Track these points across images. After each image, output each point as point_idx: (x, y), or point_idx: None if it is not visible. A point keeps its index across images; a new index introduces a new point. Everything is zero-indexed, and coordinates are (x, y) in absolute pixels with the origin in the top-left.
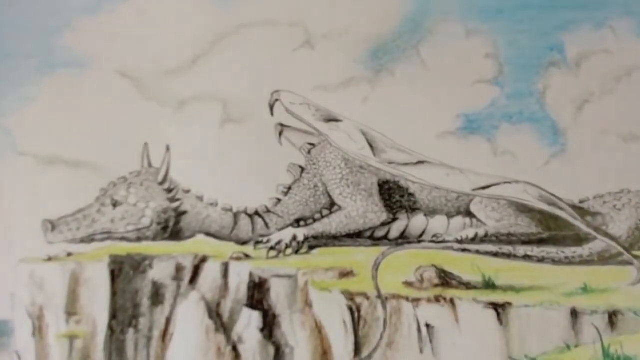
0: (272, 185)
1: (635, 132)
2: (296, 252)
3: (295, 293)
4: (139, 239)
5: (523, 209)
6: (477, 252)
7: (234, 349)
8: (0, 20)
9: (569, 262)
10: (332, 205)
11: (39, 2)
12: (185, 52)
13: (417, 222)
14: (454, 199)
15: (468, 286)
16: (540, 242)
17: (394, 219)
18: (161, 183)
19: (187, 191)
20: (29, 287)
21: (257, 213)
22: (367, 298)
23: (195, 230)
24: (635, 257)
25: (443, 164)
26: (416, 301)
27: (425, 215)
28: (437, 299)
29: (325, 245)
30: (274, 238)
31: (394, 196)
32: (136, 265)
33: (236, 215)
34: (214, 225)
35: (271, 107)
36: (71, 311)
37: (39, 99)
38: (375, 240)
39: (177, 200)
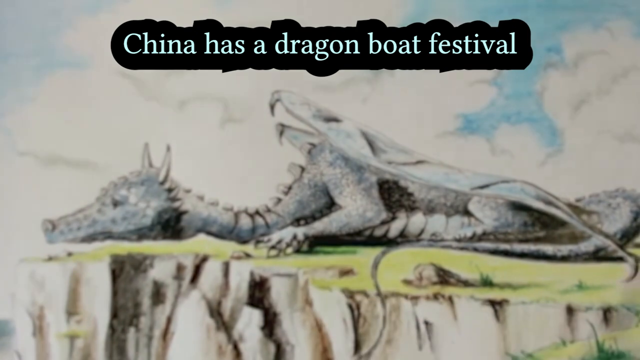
0: (272, 185)
1: (631, 132)
2: (296, 251)
3: (295, 291)
4: (139, 239)
5: (520, 207)
6: (475, 250)
7: (235, 347)
8: (0, 19)
9: (565, 259)
10: (332, 205)
11: (39, 2)
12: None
13: (416, 221)
14: (453, 198)
15: (466, 284)
16: (537, 240)
17: (393, 218)
18: (162, 183)
19: (188, 191)
20: (29, 286)
21: (257, 212)
22: (367, 296)
23: (196, 230)
24: (629, 254)
25: (442, 164)
26: (415, 299)
27: (424, 214)
28: (436, 297)
29: (326, 244)
30: (275, 237)
31: (393, 195)
32: (137, 264)
33: (237, 215)
34: (215, 224)
35: (272, 107)
36: (72, 311)
37: (39, 98)
38: (375, 239)
39: (178, 199)
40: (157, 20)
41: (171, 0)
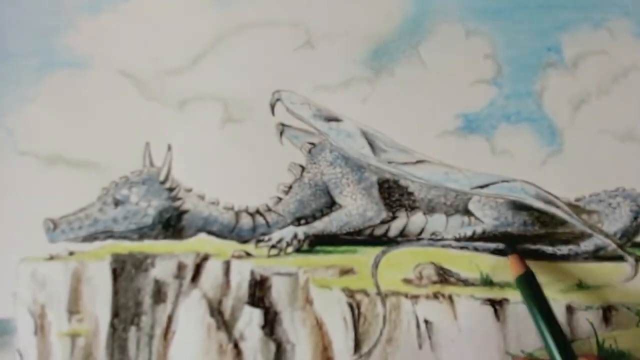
0: (273, 184)
1: (631, 132)
2: (297, 250)
3: (296, 291)
4: (141, 238)
5: (520, 207)
6: (475, 249)
7: (236, 346)
8: (1, 19)
9: (565, 258)
10: (332, 204)
11: (39, 2)
12: (186, 51)
13: (416, 221)
14: (453, 197)
15: (466, 283)
16: (537, 239)
17: (394, 217)
18: (163, 182)
19: (189, 190)
20: (30, 285)
21: (258, 212)
22: (367, 295)
23: (197, 229)
24: (629, 254)
25: (442, 163)
26: (415, 298)
27: (424, 213)
28: (436, 296)
29: (326, 243)
30: (275, 236)
31: (393, 195)
32: (138, 263)
33: (237, 214)
34: (216, 223)
35: (272, 107)
36: (73, 309)
37: (39, 98)
38: (375, 239)
39: (179, 199)
40: (157, 20)
41: (172, 1)
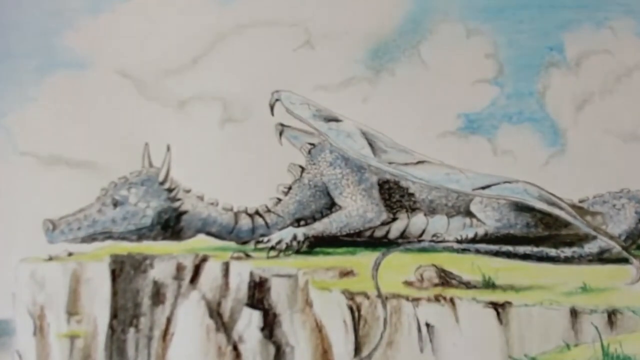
0: (272, 185)
1: (635, 132)
2: (296, 251)
3: (295, 292)
4: (139, 239)
5: (523, 208)
6: (477, 251)
7: (235, 348)
8: (1, 20)
9: (569, 261)
10: (332, 205)
11: (40, 2)
12: (186, 52)
13: (417, 222)
14: (454, 198)
15: (468, 285)
16: (540, 241)
17: (394, 219)
18: (162, 183)
19: (188, 191)
20: (29, 286)
21: (257, 213)
22: (368, 297)
23: (196, 230)
24: (634, 256)
25: (443, 164)
26: (416, 300)
27: (425, 215)
28: (437, 299)
29: (326, 244)
30: (275, 238)
31: (393, 196)
32: (137, 264)
33: (237, 215)
34: (215, 224)
35: (271, 107)
36: (72, 311)
37: (39, 98)
38: (376, 240)
39: (178, 199)
40: (157, 20)
41: (172, 1)
